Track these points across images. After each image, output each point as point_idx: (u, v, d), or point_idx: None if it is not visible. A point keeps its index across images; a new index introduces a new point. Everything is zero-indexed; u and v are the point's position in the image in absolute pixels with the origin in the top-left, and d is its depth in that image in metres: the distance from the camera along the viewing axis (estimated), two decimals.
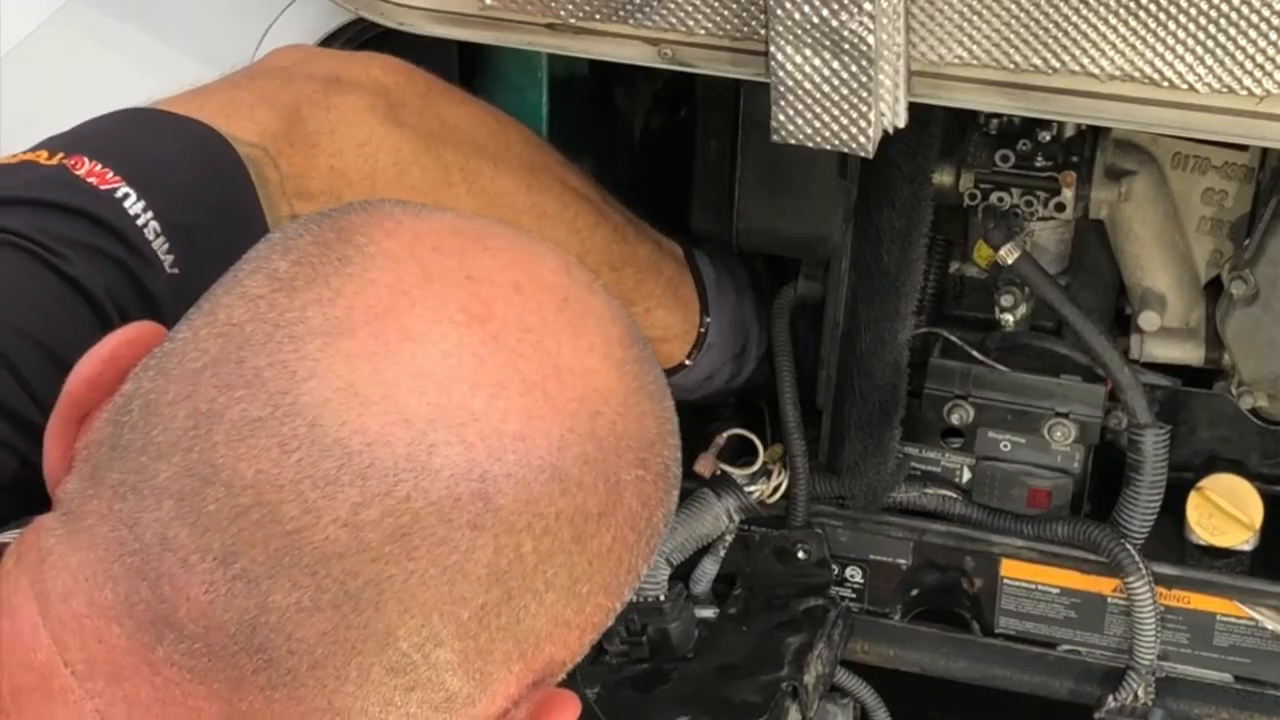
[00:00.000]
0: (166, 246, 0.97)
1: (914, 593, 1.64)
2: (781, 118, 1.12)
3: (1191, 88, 1.06)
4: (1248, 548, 1.54)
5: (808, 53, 1.09)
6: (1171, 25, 1.04)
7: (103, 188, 0.96)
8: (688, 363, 1.57)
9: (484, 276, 0.77)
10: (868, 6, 1.05)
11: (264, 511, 0.72)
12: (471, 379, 0.73)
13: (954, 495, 1.60)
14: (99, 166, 0.97)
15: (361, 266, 0.75)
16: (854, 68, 1.08)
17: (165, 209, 0.98)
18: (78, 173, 0.97)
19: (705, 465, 1.57)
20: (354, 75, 1.24)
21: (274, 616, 0.72)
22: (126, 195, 0.96)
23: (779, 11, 1.07)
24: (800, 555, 1.61)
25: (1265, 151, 1.49)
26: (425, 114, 1.26)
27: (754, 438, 1.58)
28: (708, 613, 1.59)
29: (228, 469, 0.72)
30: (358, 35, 1.36)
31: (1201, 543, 1.54)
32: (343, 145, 1.18)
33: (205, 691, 0.73)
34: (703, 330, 1.56)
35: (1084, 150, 1.51)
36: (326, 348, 0.73)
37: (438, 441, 0.72)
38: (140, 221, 0.97)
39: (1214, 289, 1.55)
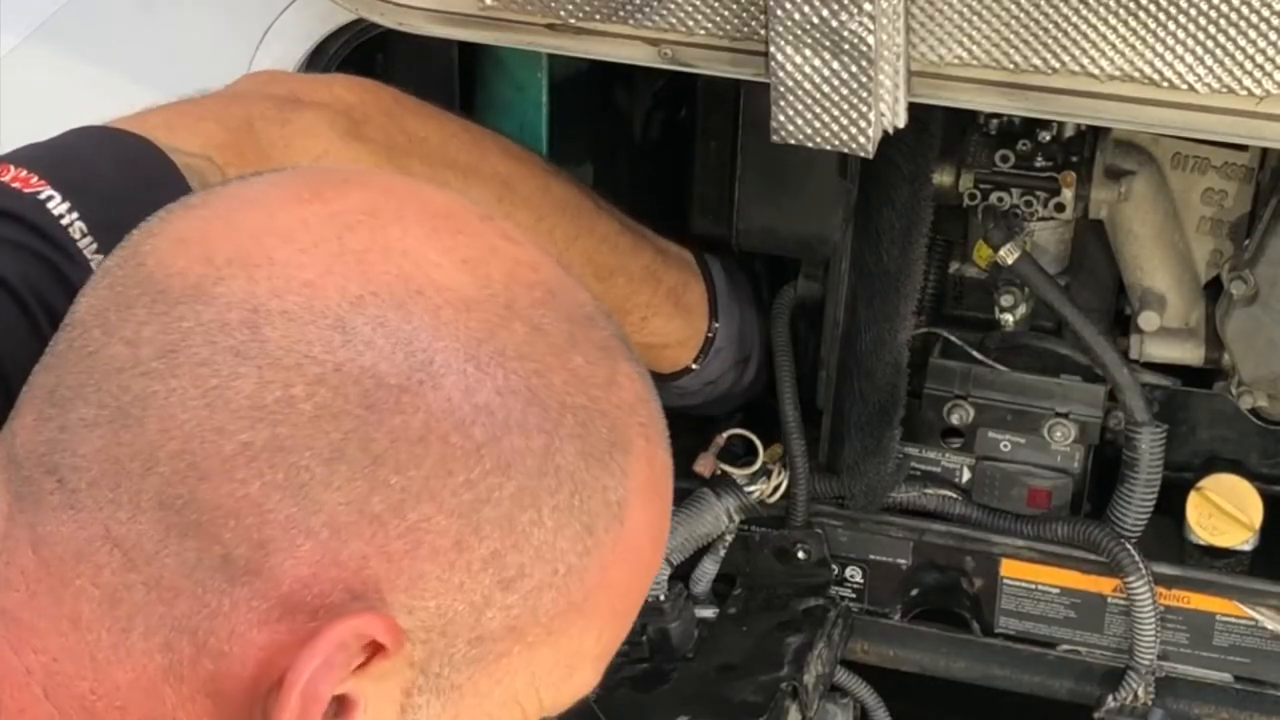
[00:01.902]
0: (95, 246, 0.97)
1: (914, 593, 1.64)
2: (781, 118, 1.12)
3: (1191, 88, 1.06)
4: (1247, 548, 1.54)
5: (808, 53, 1.09)
6: (1171, 25, 1.04)
7: (26, 190, 0.97)
8: (694, 367, 1.57)
9: (363, 181, 0.82)
10: (868, 6, 1.05)
11: (78, 337, 0.76)
12: (285, 234, 0.76)
13: (954, 495, 1.60)
14: (24, 173, 0.97)
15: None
16: (854, 68, 1.08)
17: (91, 210, 0.98)
18: (2, 179, 0.97)
19: (705, 465, 1.57)
20: (315, 95, 1.24)
21: (68, 434, 0.74)
22: (51, 197, 0.96)
23: (779, 11, 1.07)
24: (800, 555, 1.61)
25: (1265, 151, 1.49)
26: (390, 129, 1.26)
27: (754, 438, 1.58)
28: (708, 613, 1.59)
29: (75, 310, 0.78)
30: (358, 35, 1.36)
31: (1201, 543, 1.54)
32: (297, 158, 1.18)
33: (25, 519, 0.75)
34: (710, 335, 1.57)
35: (1084, 150, 1.51)
36: (184, 213, 0.80)
37: (226, 276, 0.75)
38: (65, 221, 0.97)
39: (1214, 289, 1.55)
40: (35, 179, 0.97)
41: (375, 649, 0.73)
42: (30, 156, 1.00)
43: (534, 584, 0.76)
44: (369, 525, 0.72)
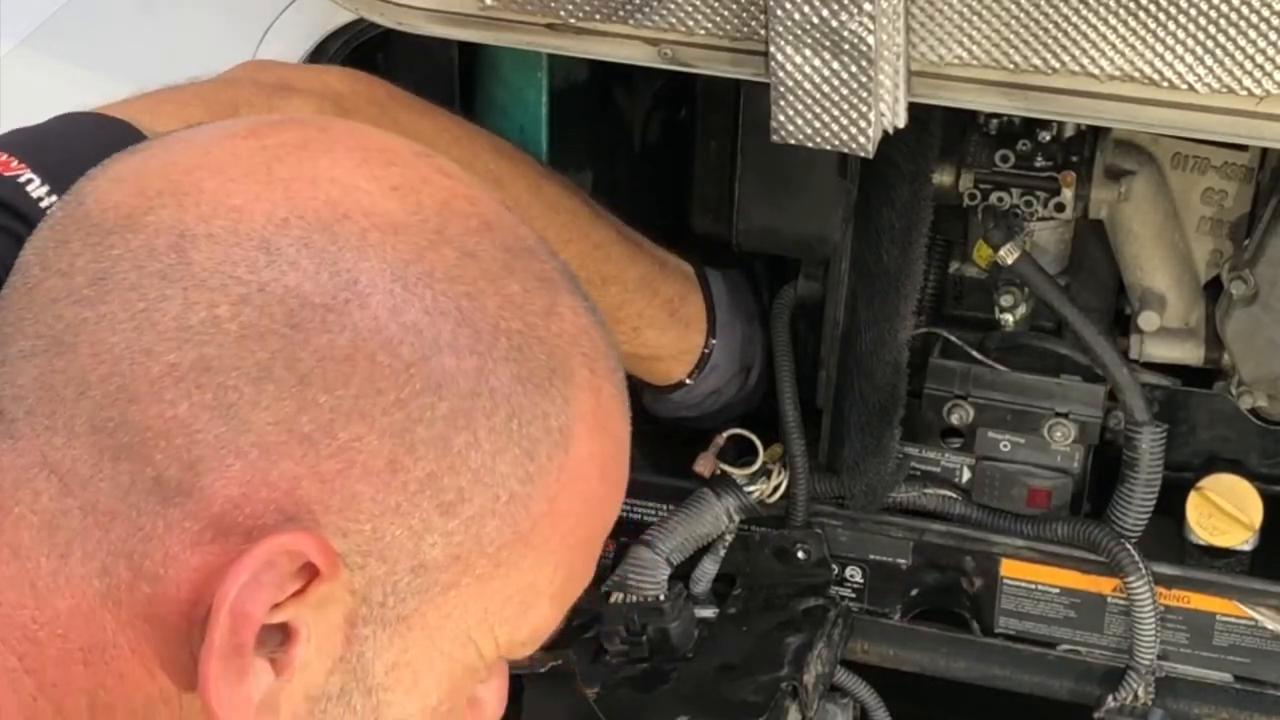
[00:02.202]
0: None
1: (914, 593, 1.64)
2: (781, 118, 1.12)
3: (1191, 88, 1.06)
4: (1247, 548, 1.54)
5: (808, 53, 1.09)
6: (1171, 25, 1.04)
7: (6, 174, 0.98)
8: (688, 381, 1.57)
9: (300, 120, 0.85)
10: (868, 6, 1.05)
11: (19, 278, 0.78)
12: (215, 167, 0.77)
13: (954, 495, 1.60)
14: (4, 156, 0.98)
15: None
16: (854, 68, 1.08)
17: None
18: None
19: (705, 465, 1.57)
20: (306, 83, 1.25)
21: (7, 367, 0.75)
22: (30, 180, 0.97)
23: (779, 11, 1.07)
24: (800, 555, 1.61)
25: (1265, 151, 1.49)
26: (379, 119, 1.26)
27: (754, 438, 1.58)
28: (708, 613, 1.59)
29: (20, 256, 0.80)
30: (358, 35, 1.36)
31: (1201, 543, 1.54)
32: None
33: None
34: (707, 351, 1.56)
35: (1084, 150, 1.51)
36: (125, 157, 0.81)
37: (156, 205, 0.76)
38: (44, 204, 0.97)
39: (1214, 289, 1.55)
40: (16, 163, 0.98)
41: (311, 573, 0.73)
42: (12, 141, 1.01)
43: (475, 510, 0.75)
44: (299, 445, 0.72)
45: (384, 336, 0.73)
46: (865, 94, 1.10)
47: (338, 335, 0.73)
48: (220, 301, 0.72)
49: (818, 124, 1.12)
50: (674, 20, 1.14)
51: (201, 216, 0.75)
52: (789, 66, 1.10)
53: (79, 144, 1.04)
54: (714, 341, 1.56)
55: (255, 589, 0.72)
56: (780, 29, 1.08)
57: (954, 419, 1.57)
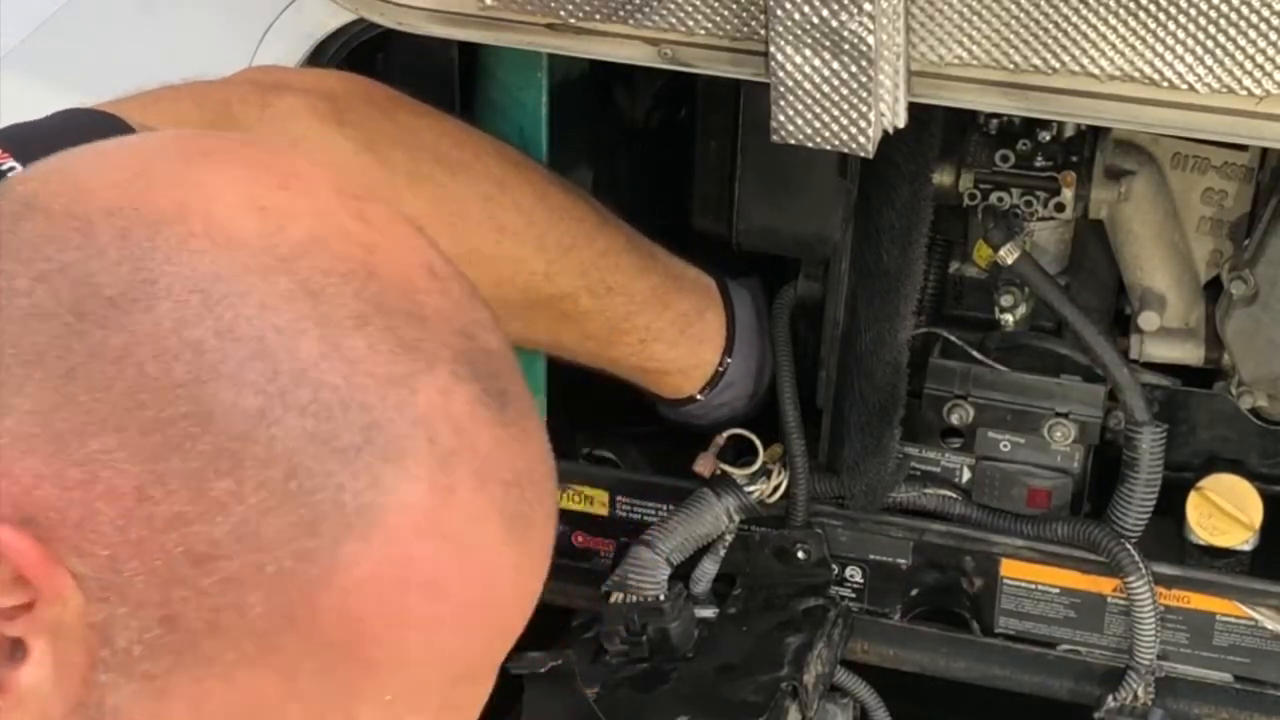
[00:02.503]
0: None
1: (914, 592, 1.64)
2: (781, 118, 1.12)
3: (1191, 88, 1.06)
4: (1247, 548, 1.54)
5: (808, 53, 1.09)
6: (1171, 25, 1.04)
7: None
8: (699, 397, 1.57)
9: (249, 141, 0.83)
10: (868, 6, 1.05)
11: None
12: (102, 156, 0.76)
13: (954, 495, 1.60)
14: None
15: None
16: (854, 68, 1.08)
17: None
18: None
19: (705, 465, 1.57)
20: (303, 83, 1.23)
21: None
22: (13, 168, 0.96)
23: (779, 11, 1.07)
24: (800, 555, 1.61)
25: (1265, 151, 1.49)
26: (377, 119, 1.24)
27: (754, 438, 1.58)
28: (708, 613, 1.59)
29: None
30: (358, 35, 1.36)
31: (1201, 543, 1.54)
32: (274, 139, 1.17)
33: None
34: (720, 369, 1.56)
35: (1084, 150, 1.51)
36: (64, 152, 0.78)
37: (28, 179, 0.75)
38: None
39: (1214, 289, 1.55)
40: (1, 153, 0.97)
41: (34, 592, 0.68)
42: (5, 133, 1.01)
43: (233, 571, 0.67)
44: (50, 442, 0.67)
45: (160, 346, 0.67)
46: (865, 94, 1.10)
47: (114, 334, 0.67)
48: (21, 274, 0.69)
49: (818, 124, 1.12)
50: (674, 20, 1.14)
51: (54, 193, 0.72)
52: (789, 66, 1.10)
53: (67, 137, 1.04)
54: (729, 360, 1.55)
55: None
56: (780, 29, 1.08)
57: (954, 419, 1.57)
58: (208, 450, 0.67)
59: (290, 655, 0.69)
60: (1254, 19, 1.02)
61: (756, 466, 1.57)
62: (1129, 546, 1.52)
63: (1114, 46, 1.06)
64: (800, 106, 1.11)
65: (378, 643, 0.70)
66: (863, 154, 1.13)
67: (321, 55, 1.38)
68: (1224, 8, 1.02)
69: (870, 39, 1.07)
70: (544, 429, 0.76)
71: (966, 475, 1.60)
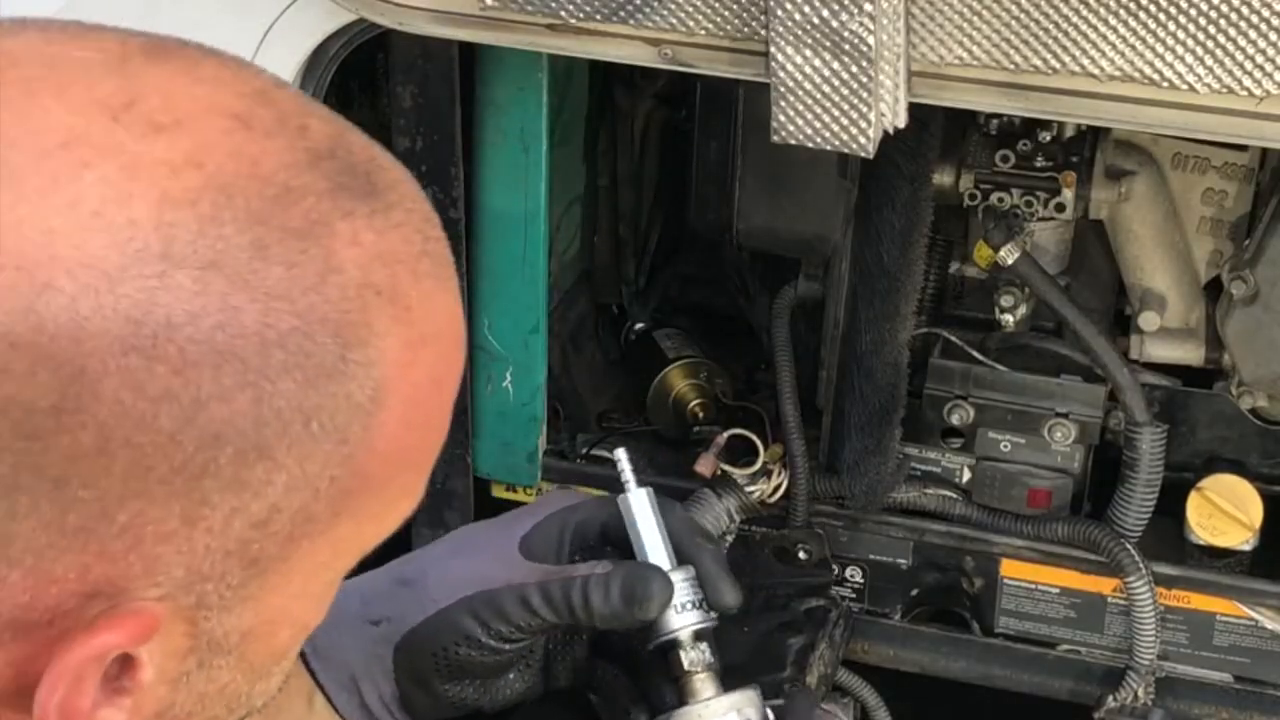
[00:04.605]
0: None
1: (914, 593, 1.64)
2: (781, 118, 1.12)
3: (1191, 88, 1.06)
4: (1247, 548, 1.54)
5: (808, 53, 1.09)
6: (1171, 26, 1.04)
7: None
8: None
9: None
10: (868, 7, 1.05)
11: None
12: None
13: (954, 495, 1.60)
14: None
15: None
16: (854, 68, 1.08)
17: None
18: None
19: (706, 465, 1.57)
20: None
21: None
22: None
23: (779, 12, 1.07)
24: (801, 555, 1.61)
25: (1265, 152, 1.49)
26: None
27: (754, 438, 1.58)
28: None
29: None
30: (358, 35, 1.36)
31: (1201, 543, 1.54)
32: None
33: None
34: None
35: (1084, 150, 1.51)
36: None
37: None
38: None
39: (1214, 289, 1.55)
40: None
41: (131, 642, 0.69)
42: None
43: (296, 508, 0.70)
44: (74, 539, 0.66)
45: (134, 418, 0.65)
46: (865, 94, 1.10)
47: (80, 434, 0.64)
48: None
49: (818, 124, 1.12)
50: (674, 20, 1.14)
51: None
52: (789, 67, 1.10)
53: None
54: None
55: (76, 694, 0.68)
56: (780, 29, 1.08)
57: (954, 419, 1.57)
58: (232, 457, 0.67)
59: (357, 507, 0.73)
60: (1254, 19, 1.02)
61: (757, 466, 1.58)
62: (1129, 547, 1.52)
63: (1114, 47, 1.06)
64: (800, 107, 1.11)
65: (418, 442, 0.75)
66: (863, 154, 1.13)
67: (322, 55, 1.38)
68: (1224, 8, 1.02)
69: (870, 39, 1.07)
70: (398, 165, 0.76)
71: (966, 475, 1.60)
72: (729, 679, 1.22)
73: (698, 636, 1.18)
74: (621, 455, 1.21)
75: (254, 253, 0.67)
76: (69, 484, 0.65)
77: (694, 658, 1.17)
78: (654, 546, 1.18)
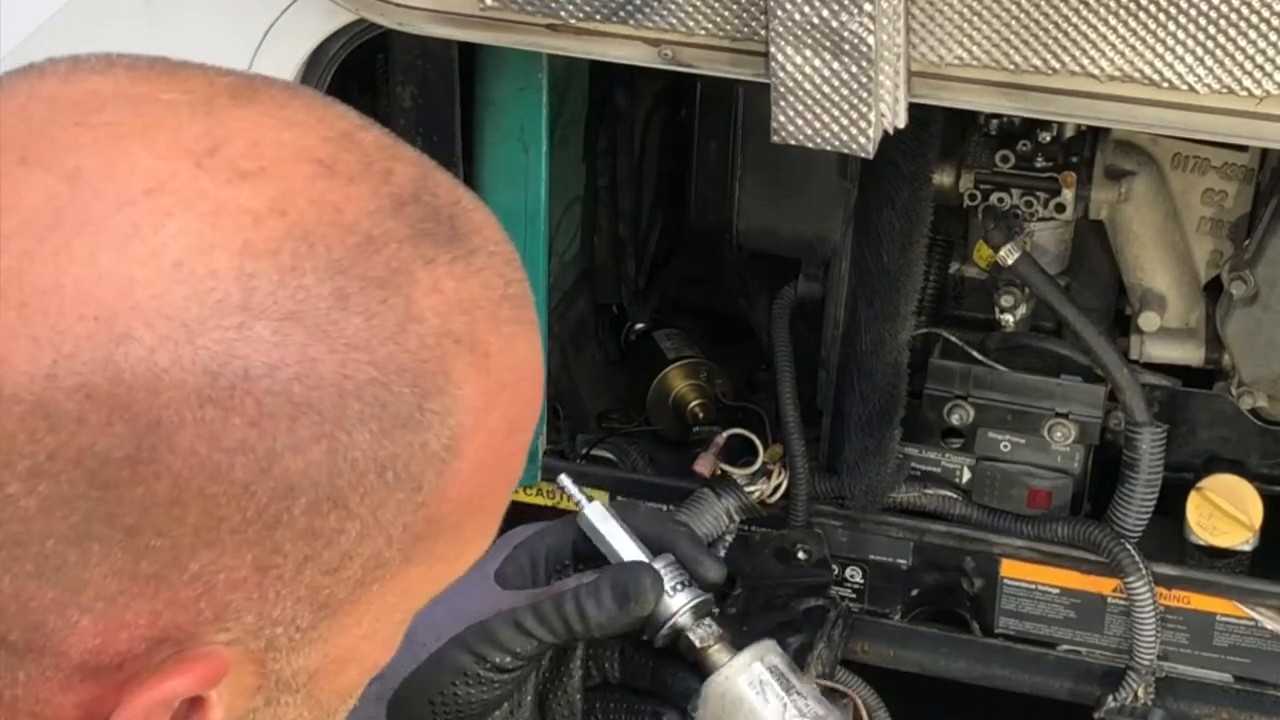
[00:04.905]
0: None
1: (914, 593, 1.64)
2: (781, 118, 1.12)
3: (1191, 88, 1.06)
4: (1247, 548, 1.54)
5: (808, 53, 1.09)
6: (1171, 26, 1.04)
7: None
8: None
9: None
10: (868, 7, 1.05)
11: None
12: None
13: (954, 495, 1.60)
14: None
15: None
16: (854, 68, 1.08)
17: None
18: None
19: (705, 465, 1.57)
20: None
21: None
22: None
23: (779, 12, 1.07)
24: (800, 555, 1.61)
25: (1265, 152, 1.49)
26: None
27: (754, 438, 1.58)
28: None
29: None
30: (358, 35, 1.36)
31: (1201, 543, 1.54)
32: None
33: None
34: None
35: (1084, 151, 1.51)
36: None
37: None
38: None
39: (1214, 289, 1.55)
40: None
41: (200, 687, 0.69)
42: None
43: (368, 555, 0.70)
44: (146, 585, 0.66)
45: (209, 469, 0.65)
46: (865, 94, 1.10)
47: (154, 484, 0.64)
48: (7, 480, 0.64)
49: (818, 124, 1.12)
50: (674, 21, 1.14)
51: None
52: (789, 67, 1.10)
53: None
54: None
55: None
56: (780, 29, 1.08)
57: (954, 419, 1.57)
58: (305, 507, 0.67)
59: (427, 552, 0.72)
60: (1254, 19, 1.02)
61: (756, 467, 1.57)
62: (1129, 547, 1.52)
63: (1114, 47, 1.06)
64: (800, 107, 1.11)
65: (491, 490, 0.75)
66: (863, 154, 1.13)
67: (322, 55, 1.38)
68: (1224, 8, 1.02)
69: (870, 39, 1.07)
70: (486, 208, 0.75)
71: (966, 475, 1.60)
72: (741, 641, 1.23)
73: (698, 614, 1.20)
74: (565, 480, 1.24)
75: (334, 303, 0.66)
76: (142, 533, 0.65)
77: (702, 634, 1.20)
78: (625, 547, 1.20)
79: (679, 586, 1.20)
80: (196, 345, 0.64)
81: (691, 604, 1.19)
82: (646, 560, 1.19)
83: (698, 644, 1.20)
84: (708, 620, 1.21)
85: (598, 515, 1.21)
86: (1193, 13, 1.03)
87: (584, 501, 1.22)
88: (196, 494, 0.65)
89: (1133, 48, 1.06)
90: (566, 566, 1.22)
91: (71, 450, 0.64)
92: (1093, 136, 1.51)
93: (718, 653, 1.21)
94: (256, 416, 0.65)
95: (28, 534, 0.64)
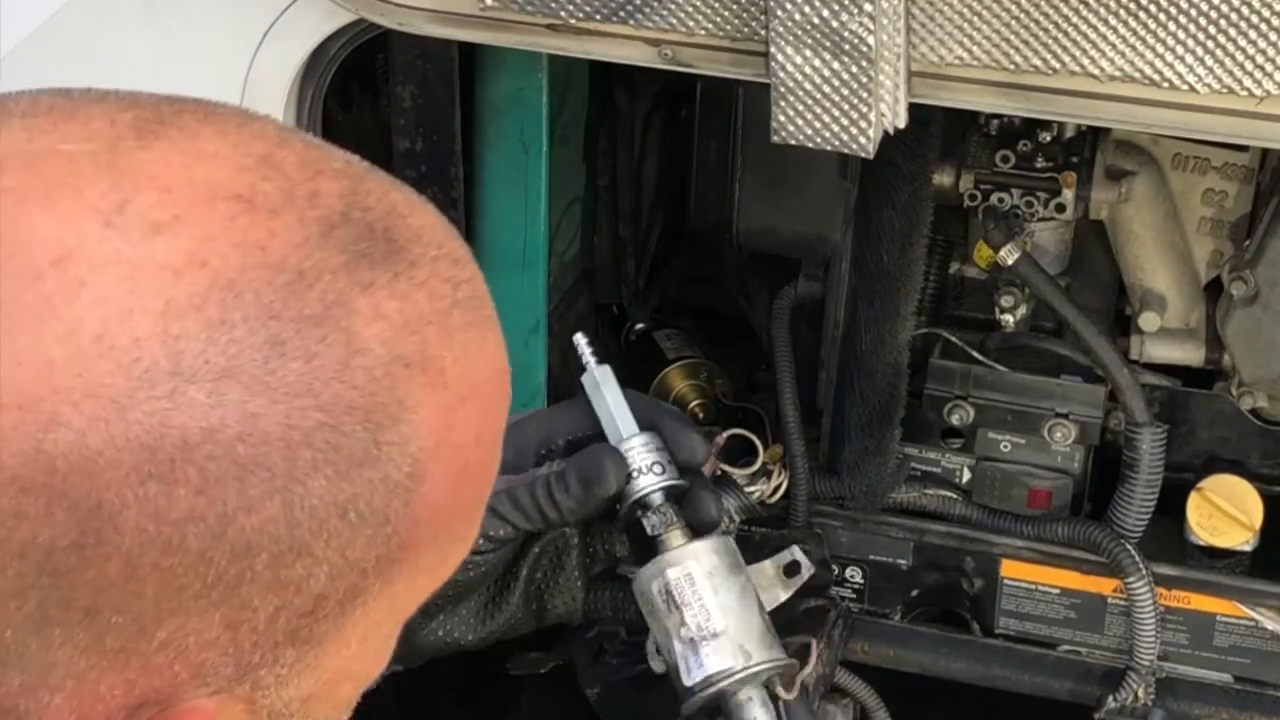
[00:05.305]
0: None
1: (914, 593, 1.64)
2: (781, 118, 1.12)
3: (1192, 88, 1.06)
4: (1248, 548, 1.54)
5: (808, 53, 1.09)
6: (1172, 26, 1.04)
7: None
8: None
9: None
10: (868, 7, 1.05)
11: None
12: None
13: (954, 496, 1.60)
14: None
15: None
16: (854, 68, 1.08)
17: None
18: None
19: (705, 465, 1.57)
20: None
21: None
22: None
23: (779, 12, 1.07)
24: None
25: (1265, 152, 1.49)
26: None
27: (754, 438, 1.58)
28: None
29: None
30: (358, 35, 1.36)
31: (1201, 543, 1.54)
32: None
33: None
34: None
35: (1084, 151, 1.51)
36: None
37: None
38: None
39: (1214, 290, 1.55)
40: None
41: None
42: None
43: (344, 590, 0.67)
44: (116, 660, 0.64)
45: (160, 544, 0.62)
46: (865, 94, 1.09)
47: (105, 565, 0.61)
48: None
49: (818, 124, 1.12)
50: (674, 21, 1.14)
51: None
52: (789, 67, 1.10)
53: None
54: None
55: None
56: (780, 29, 1.08)
57: (954, 419, 1.57)
58: (268, 562, 0.64)
59: (404, 572, 0.70)
60: (1254, 19, 1.02)
61: (757, 467, 1.57)
62: (1129, 547, 1.52)
63: (1114, 47, 1.06)
64: (800, 107, 1.11)
65: (465, 502, 0.72)
66: (863, 154, 1.13)
67: (322, 56, 1.38)
68: (1224, 8, 1.02)
69: (870, 39, 1.07)
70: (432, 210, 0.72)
71: (967, 476, 1.60)
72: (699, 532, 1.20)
73: (666, 496, 1.18)
74: (580, 339, 1.24)
75: (270, 351, 0.63)
76: (101, 611, 0.63)
77: (654, 520, 1.18)
78: (620, 411, 1.19)
79: (652, 468, 1.18)
80: (129, 421, 0.60)
81: (653, 489, 1.17)
82: (631, 431, 1.18)
83: (649, 530, 1.18)
84: (664, 507, 1.18)
85: (602, 377, 1.20)
86: (1193, 13, 1.03)
87: (592, 363, 1.20)
88: (151, 568, 0.62)
89: (1133, 48, 1.06)
90: (553, 452, 1.21)
91: (14, 545, 0.60)
92: (1093, 136, 1.51)
93: (666, 541, 1.18)
94: (202, 484, 0.62)
95: None
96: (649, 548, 1.20)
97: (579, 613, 1.28)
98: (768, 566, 1.25)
